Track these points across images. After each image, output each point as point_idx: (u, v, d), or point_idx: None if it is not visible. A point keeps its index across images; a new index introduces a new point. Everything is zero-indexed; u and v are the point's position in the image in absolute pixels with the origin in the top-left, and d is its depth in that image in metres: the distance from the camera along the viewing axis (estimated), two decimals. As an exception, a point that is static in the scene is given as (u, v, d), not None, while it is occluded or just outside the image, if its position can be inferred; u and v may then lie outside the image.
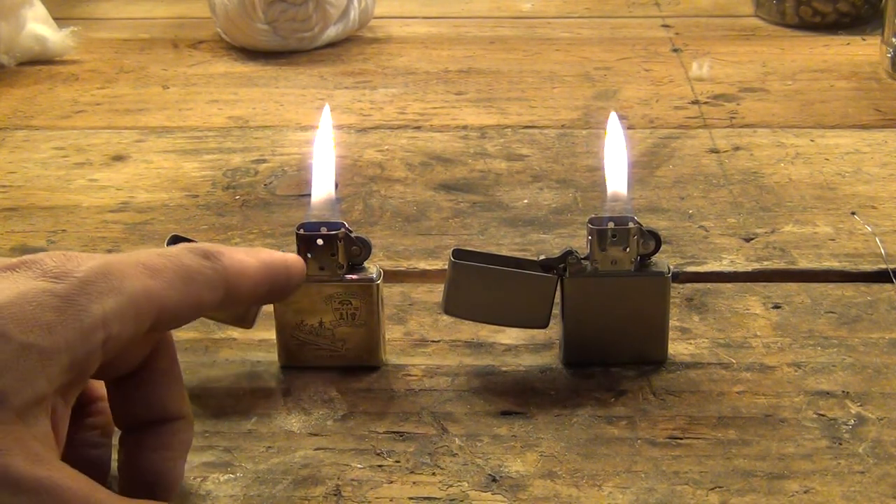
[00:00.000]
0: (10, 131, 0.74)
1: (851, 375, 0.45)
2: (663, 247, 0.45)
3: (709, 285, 0.53)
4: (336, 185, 0.47)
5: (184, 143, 0.71)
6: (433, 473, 0.40)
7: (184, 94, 0.80)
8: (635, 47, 0.89)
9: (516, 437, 0.42)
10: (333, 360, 0.46)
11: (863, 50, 0.86)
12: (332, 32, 0.89)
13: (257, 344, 0.48)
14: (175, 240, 0.45)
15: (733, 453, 0.41)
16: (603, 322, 0.46)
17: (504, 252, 0.53)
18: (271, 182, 0.65)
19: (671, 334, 0.47)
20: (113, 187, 0.65)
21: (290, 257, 0.42)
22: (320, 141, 0.47)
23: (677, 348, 0.47)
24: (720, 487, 0.39)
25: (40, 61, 0.86)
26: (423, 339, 0.49)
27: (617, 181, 0.46)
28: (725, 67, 0.83)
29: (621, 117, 0.70)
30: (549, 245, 0.57)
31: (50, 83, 0.83)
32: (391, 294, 0.52)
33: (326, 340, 0.46)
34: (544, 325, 0.46)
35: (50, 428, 0.32)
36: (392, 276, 0.54)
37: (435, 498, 0.39)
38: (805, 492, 0.39)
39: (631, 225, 0.44)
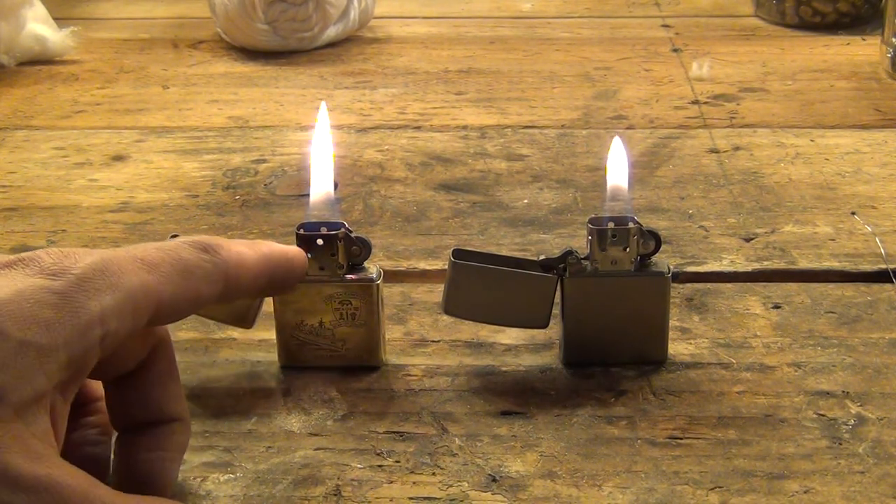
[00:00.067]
0: (10, 131, 0.74)
1: (851, 375, 0.45)
2: (663, 247, 0.45)
3: (709, 285, 0.53)
4: (336, 185, 0.47)
5: (184, 143, 0.71)
6: (433, 473, 0.40)
7: (184, 94, 0.80)
8: (635, 47, 0.89)
9: (516, 437, 0.42)
10: (333, 360, 0.46)
11: (863, 50, 0.86)
12: (332, 32, 0.89)
13: (257, 344, 0.48)
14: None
15: (733, 453, 0.41)
16: (603, 322, 0.46)
17: (504, 252, 0.53)
18: (271, 182, 0.65)
19: (671, 334, 0.47)
20: (113, 187, 0.65)
21: (292, 249, 0.42)
22: (318, 139, 0.47)
23: (677, 348, 0.47)
24: (720, 487, 0.39)
25: (40, 61, 0.86)
26: (423, 339, 0.49)
27: (619, 182, 0.46)
28: (725, 67, 0.83)
29: (621, 117, 0.70)
30: (549, 245, 0.57)
31: (50, 83, 0.83)
32: (391, 294, 0.52)
33: (326, 340, 0.46)
34: (544, 325, 0.46)
35: (49, 425, 0.32)
36: (392, 276, 0.54)
37: (435, 498, 0.39)
38: (805, 492, 0.39)
39: (631, 225, 0.44)
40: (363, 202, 0.62)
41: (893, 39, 0.79)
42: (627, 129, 0.72)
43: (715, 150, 0.68)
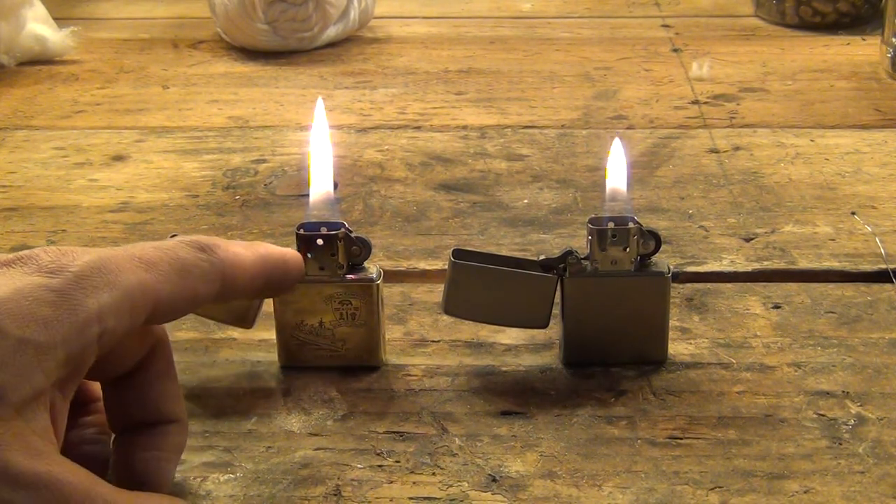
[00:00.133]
0: (10, 131, 0.74)
1: (851, 375, 0.45)
2: (663, 247, 0.45)
3: (709, 285, 0.53)
4: (335, 185, 0.47)
5: (184, 143, 0.71)
6: (433, 473, 0.40)
7: (184, 94, 0.80)
8: (635, 47, 0.89)
9: (516, 437, 0.42)
10: (333, 360, 0.46)
11: (863, 50, 0.86)
12: (332, 32, 0.89)
13: (257, 344, 0.48)
14: (175, 240, 0.45)
15: (733, 453, 0.41)
16: (603, 322, 0.46)
17: (504, 252, 0.53)
18: (271, 182, 0.65)
19: (671, 334, 0.47)
20: (113, 187, 0.65)
21: (289, 252, 0.42)
22: (316, 136, 0.47)
23: (677, 348, 0.47)
24: (720, 487, 0.39)
25: (40, 61, 0.86)
26: (423, 339, 0.49)
27: (618, 186, 0.46)
28: (725, 67, 0.83)
29: (621, 118, 0.70)
30: (549, 245, 0.57)
31: (50, 83, 0.83)
32: (391, 294, 0.52)
33: (326, 340, 0.46)
34: (544, 325, 0.46)
35: (49, 422, 0.32)
36: (392, 276, 0.54)
37: (435, 498, 0.39)
38: (805, 492, 0.39)
39: (631, 225, 0.44)
40: (363, 202, 0.62)
41: (893, 39, 0.79)
42: (627, 129, 0.72)
43: (715, 150, 0.68)
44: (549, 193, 0.63)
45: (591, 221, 0.44)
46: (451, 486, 0.40)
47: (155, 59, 0.88)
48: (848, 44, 0.88)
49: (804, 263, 0.54)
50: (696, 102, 0.76)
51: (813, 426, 0.42)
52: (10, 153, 0.70)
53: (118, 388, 0.38)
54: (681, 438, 0.42)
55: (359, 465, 0.41)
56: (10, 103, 0.78)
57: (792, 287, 0.52)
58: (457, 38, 0.92)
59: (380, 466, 0.41)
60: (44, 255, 0.33)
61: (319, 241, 0.44)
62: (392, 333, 0.49)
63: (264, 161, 0.68)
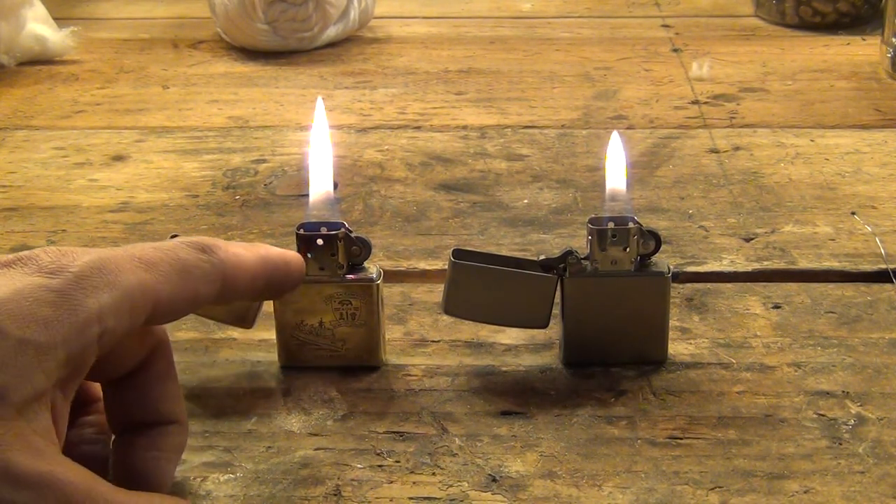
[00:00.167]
0: (10, 131, 0.74)
1: (851, 375, 0.45)
2: (663, 247, 0.45)
3: (709, 285, 0.53)
4: (335, 185, 0.47)
5: (184, 143, 0.71)
6: (433, 473, 0.40)
7: (184, 94, 0.80)
8: (635, 47, 0.89)
9: (516, 437, 0.42)
10: (333, 360, 0.46)
11: (863, 50, 0.86)
12: (332, 32, 0.89)
13: (257, 344, 0.48)
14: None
15: (733, 453, 0.41)
16: (603, 322, 0.46)
17: (504, 252, 0.53)
18: (271, 182, 0.65)
19: (671, 334, 0.47)
20: (113, 187, 0.65)
21: (290, 254, 0.42)
22: (316, 136, 0.47)
23: (677, 348, 0.47)
24: (720, 487, 0.39)
25: (40, 61, 0.86)
26: (423, 339, 0.49)
27: (617, 185, 0.46)
28: (725, 67, 0.83)
29: (621, 118, 0.70)
30: (549, 245, 0.57)
31: (50, 83, 0.83)
32: (391, 294, 0.52)
33: (326, 340, 0.46)
34: (544, 325, 0.46)
35: (50, 422, 0.32)
36: (392, 276, 0.54)
37: (435, 498, 0.39)
38: (805, 492, 0.39)
39: (631, 225, 0.44)
40: (363, 202, 0.62)
41: (893, 39, 0.79)
42: (627, 129, 0.72)
43: (715, 150, 0.68)
44: (549, 193, 0.63)
45: (591, 221, 0.44)
46: (451, 486, 0.40)
47: (155, 59, 0.88)
48: (848, 44, 0.88)
49: (804, 263, 0.54)
50: (696, 102, 0.76)
51: (813, 426, 0.42)
52: (10, 153, 0.70)
53: (118, 389, 0.38)
54: (681, 438, 0.42)
55: (359, 465, 0.41)
56: (10, 103, 0.78)
57: (792, 287, 0.52)
58: (457, 38, 0.92)
59: (380, 466, 0.41)
60: (44, 256, 0.33)
61: (319, 241, 0.44)
62: (392, 333, 0.49)
63: (264, 161, 0.68)
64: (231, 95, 0.79)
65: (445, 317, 0.48)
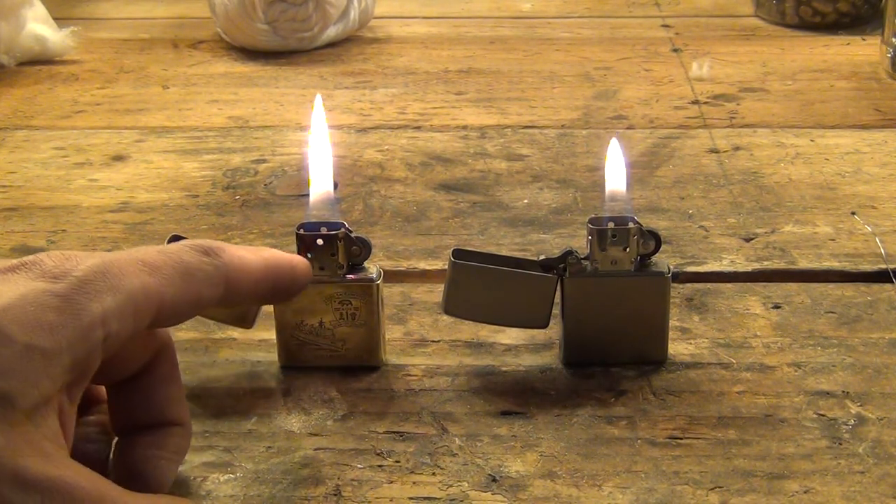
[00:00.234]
0: (10, 131, 0.74)
1: (851, 375, 0.45)
2: (663, 247, 0.45)
3: (709, 285, 0.53)
4: (336, 185, 0.47)
5: (184, 143, 0.71)
6: (433, 473, 0.40)
7: (184, 94, 0.80)
8: (635, 47, 0.89)
9: (516, 437, 0.42)
10: (333, 360, 0.46)
11: (863, 50, 0.86)
12: (332, 32, 0.89)
13: (257, 344, 0.48)
14: (175, 240, 0.45)
15: (733, 453, 0.41)
16: (603, 322, 0.46)
17: (504, 252, 0.53)
18: (271, 182, 0.65)
19: (671, 334, 0.47)
20: (113, 187, 0.65)
21: (297, 258, 0.42)
22: (315, 135, 0.47)
23: (677, 348, 0.47)
24: (720, 487, 0.39)
25: (40, 61, 0.86)
26: (423, 339, 0.49)
27: (617, 187, 0.46)
28: (725, 67, 0.83)
29: (620, 119, 0.70)
30: (549, 245, 0.57)
31: (50, 83, 0.83)
32: (391, 294, 0.52)
33: (326, 340, 0.46)
34: (544, 325, 0.46)
35: (59, 427, 0.32)
36: (392, 276, 0.54)
37: (435, 498, 0.39)
38: (805, 492, 0.39)
39: (631, 225, 0.44)
40: (363, 202, 0.62)
41: (893, 39, 0.79)
42: (627, 129, 0.72)
43: (715, 150, 0.68)
44: (549, 193, 0.63)
45: (591, 221, 0.44)
46: (451, 486, 0.40)
47: (155, 59, 0.88)
48: (848, 44, 0.88)
49: (804, 263, 0.54)
50: (696, 102, 0.76)
51: (813, 426, 0.42)
52: (10, 153, 0.70)
53: (122, 391, 0.38)
54: (681, 438, 0.42)
55: (359, 465, 0.41)
56: (10, 103, 0.79)
57: (792, 287, 0.52)
58: (457, 38, 0.92)
59: (380, 466, 0.41)
60: (48, 260, 0.33)
61: (319, 241, 0.44)
62: (392, 333, 0.49)
63: (264, 161, 0.68)
64: (231, 95, 0.79)
65: (445, 317, 0.48)
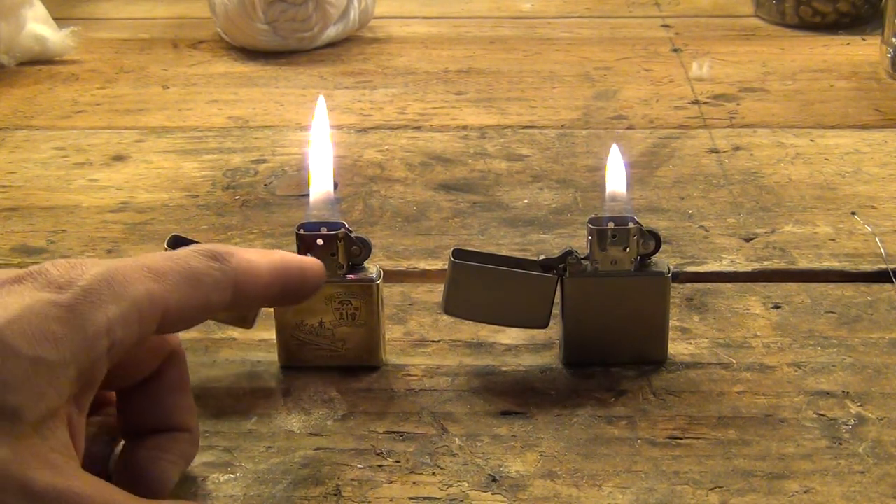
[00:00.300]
0: (10, 131, 0.74)
1: (851, 375, 0.45)
2: (663, 247, 0.45)
3: (709, 285, 0.53)
4: (336, 185, 0.47)
5: (184, 143, 0.71)
6: (433, 473, 0.40)
7: (184, 94, 0.80)
8: (635, 47, 0.89)
9: (516, 437, 0.42)
10: (333, 360, 0.46)
11: (863, 50, 0.86)
12: (332, 32, 0.89)
13: (257, 344, 0.48)
14: (175, 240, 0.45)
15: (733, 453, 0.41)
16: (603, 322, 0.46)
17: (504, 252, 0.53)
18: (271, 182, 0.65)
19: (671, 334, 0.47)
20: (113, 187, 0.65)
21: (307, 260, 0.41)
22: (316, 136, 0.47)
23: (677, 348, 0.47)
24: (720, 487, 0.39)
25: (40, 61, 0.86)
26: (423, 339, 0.49)
27: (617, 189, 0.46)
28: (725, 67, 0.83)
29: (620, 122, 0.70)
30: (549, 245, 0.57)
31: (50, 83, 0.83)
32: (391, 294, 0.52)
33: (326, 340, 0.46)
34: (544, 325, 0.46)
35: (68, 438, 0.32)
36: (392, 276, 0.54)
37: (435, 498, 0.39)
38: (805, 492, 0.39)
39: (631, 225, 0.44)
40: (363, 202, 0.62)
41: (893, 39, 0.79)
42: (627, 129, 0.72)
43: (715, 150, 0.68)
44: (549, 193, 0.63)
45: (591, 221, 0.44)
46: (451, 486, 0.40)
47: (155, 59, 0.88)
48: (848, 44, 0.88)
49: (804, 263, 0.54)
50: (696, 102, 0.76)
51: (813, 426, 0.42)
52: (10, 153, 0.70)
53: (131, 396, 0.38)
54: (681, 438, 0.42)
55: (359, 465, 0.41)
56: (10, 103, 0.79)
57: (792, 287, 0.52)
58: (457, 38, 0.92)
59: (380, 466, 0.41)
60: (53, 270, 0.33)
61: (319, 242, 0.44)
62: (392, 333, 0.49)
63: (264, 161, 0.68)
64: (231, 95, 0.79)
65: (445, 317, 0.48)
